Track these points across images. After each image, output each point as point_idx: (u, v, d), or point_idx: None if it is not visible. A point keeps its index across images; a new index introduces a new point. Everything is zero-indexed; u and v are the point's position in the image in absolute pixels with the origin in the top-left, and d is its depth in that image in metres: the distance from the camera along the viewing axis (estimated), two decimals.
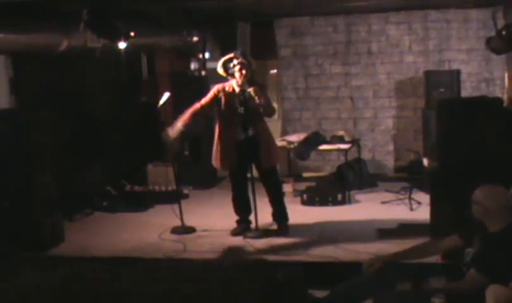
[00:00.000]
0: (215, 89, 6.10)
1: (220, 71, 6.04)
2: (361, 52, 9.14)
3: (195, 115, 6.09)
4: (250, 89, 5.83)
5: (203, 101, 6.12)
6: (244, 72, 5.88)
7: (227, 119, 6.04)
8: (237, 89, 5.96)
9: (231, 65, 5.94)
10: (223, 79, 6.14)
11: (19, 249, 5.76)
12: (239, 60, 5.89)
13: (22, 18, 5.38)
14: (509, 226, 3.74)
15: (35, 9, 5.44)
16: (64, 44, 5.80)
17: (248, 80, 5.92)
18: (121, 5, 6.00)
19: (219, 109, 6.09)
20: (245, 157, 6.06)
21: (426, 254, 4.28)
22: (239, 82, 5.91)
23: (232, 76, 5.96)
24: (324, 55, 9.23)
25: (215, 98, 6.05)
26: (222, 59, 6.03)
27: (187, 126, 6.09)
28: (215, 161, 6.21)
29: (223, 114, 6.07)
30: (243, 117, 5.93)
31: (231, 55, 5.99)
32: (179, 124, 6.09)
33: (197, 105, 6.11)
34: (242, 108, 5.92)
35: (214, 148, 6.18)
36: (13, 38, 5.43)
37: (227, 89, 6.01)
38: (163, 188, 7.93)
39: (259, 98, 5.83)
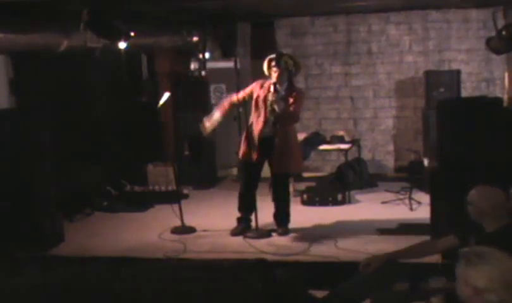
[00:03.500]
0: (254, 84, 6.24)
1: (265, 68, 6.15)
2: (361, 52, 9.14)
3: (231, 105, 6.26)
4: (272, 97, 5.99)
5: (241, 94, 6.23)
6: (276, 75, 6.01)
7: (256, 114, 6.13)
8: (272, 89, 6.06)
9: (271, 66, 6.07)
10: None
11: (19, 249, 5.76)
12: (274, 63, 6.01)
13: (22, 18, 5.37)
14: (505, 226, 3.74)
15: (35, 9, 5.44)
16: (64, 44, 5.80)
17: (285, 82, 6.04)
18: (121, 5, 6.01)
19: (253, 103, 6.19)
20: (261, 155, 6.11)
21: (424, 253, 4.28)
22: (274, 83, 6.04)
23: (271, 77, 6.09)
24: (324, 55, 9.24)
25: (251, 93, 6.17)
26: (268, 58, 6.14)
27: (224, 116, 6.25)
28: (241, 152, 6.28)
29: (254, 108, 6.16)
30: (268, 116, 6.06)
31: (273, 56, 6.12)
32: (217, 113, 6.26)
33: (234, 97, 6.26)
34: (269, 108, 6.05)
35: (242, 139, 6.27)
36: (13, 38, 5.42)
37: (265, 85, 6.12)
38: (163, 188, 7.93)
39: (278, 106, 5.96)
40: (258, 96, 6.11)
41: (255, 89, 6.16)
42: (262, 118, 6.08)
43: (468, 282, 2.22)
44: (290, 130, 6.19)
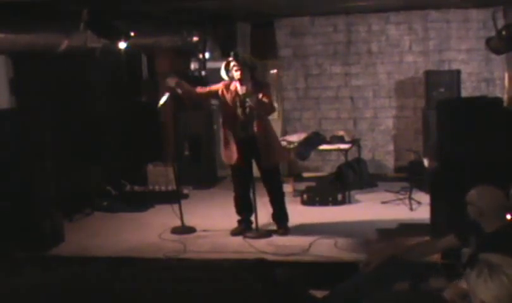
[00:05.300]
0: (221, 84, 6.19)
1: (223, 74, 6.13)
2: (361, 52, 9.14)
3: (199, 93, 6.26)
4: (243, 91, 5.95)
5: (208, 88, 6.29)
6: (239, 73, 5.96)
7: (229, 118, 6.11)
8: (239, 89, 6.03)
9: (230, 67, 6.03)
10: (222, 79, 6.19)
11: (19, 249, 5.76)
12: (234, 62, 5.99)
13: (22, 18, 5.37)
14: (504, 226, 3.74)
15: (35, 9, 5.44)
16: (64, 44, 5.80)
17: (249, 79, 5.99)
18: (121, 5, 6.01)
19: (222, 107, 6.19)
20: (246, 156, 6.10)
21: (423, 253, 4.27)
22: (239, 79, 6.00)
23: (233, 78, 6.04)
24: (324, 55, 9.23)
25: (217, 92, 6.14)
26: (223, 65, 6.13)
27: (184, 91, 6.19)
28: (223, 157, 6.30)
29: (225, 113, 6.16)
30: (242, 117, 6.03)
31: (229, 59, 6.09)
32: (183, 82, 6.24)
33: (205, 88, 6.31)
34: (241, 109, 6.02)
35: (222, 144, 6.27)
36: (13, 38, 5.42)
37: (231, 88, 6.09)
38: (163, 188, 7.93)
39: (251, 100, 5.92)
40: (226, 100, 6.09)
41: (221, 90, 6.11)
42: (235, 121, 6.07)
43: (476, 294, 2.22)
44: (268, 126, 6.19)
